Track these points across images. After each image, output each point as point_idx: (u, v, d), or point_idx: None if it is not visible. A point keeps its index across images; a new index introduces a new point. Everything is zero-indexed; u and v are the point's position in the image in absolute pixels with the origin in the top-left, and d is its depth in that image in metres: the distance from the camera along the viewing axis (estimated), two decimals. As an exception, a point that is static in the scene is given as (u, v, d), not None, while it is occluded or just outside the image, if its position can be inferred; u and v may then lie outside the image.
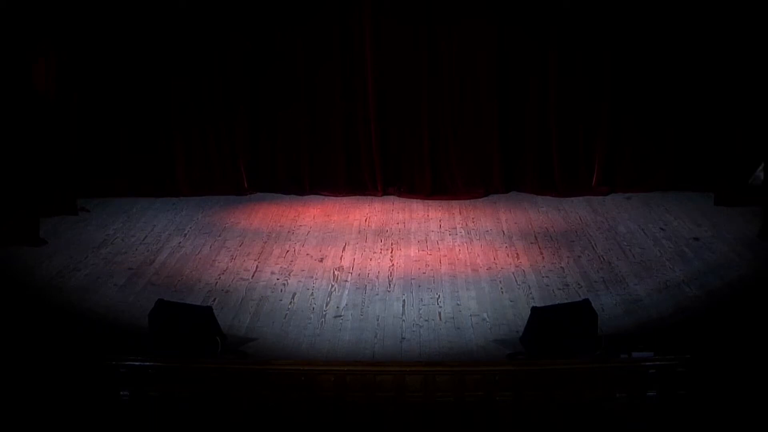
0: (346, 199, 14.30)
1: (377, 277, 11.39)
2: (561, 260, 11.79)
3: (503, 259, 11.88)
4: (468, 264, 11.76)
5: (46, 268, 11.72)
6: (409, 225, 13.23)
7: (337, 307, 10.59)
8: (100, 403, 8.64)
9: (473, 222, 13.27)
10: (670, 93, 14.01)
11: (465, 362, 9.13)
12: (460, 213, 13.64)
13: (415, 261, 11.89)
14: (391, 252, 12.20)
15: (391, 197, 14.38)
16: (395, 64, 14.27)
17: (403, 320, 10.25)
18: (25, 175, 12.58)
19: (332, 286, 11.16)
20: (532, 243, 12.40)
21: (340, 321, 10.26)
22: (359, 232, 12.99)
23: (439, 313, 10.39)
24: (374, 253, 12.18)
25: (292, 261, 11.94)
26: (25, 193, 12.52)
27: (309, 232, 12.99)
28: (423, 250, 12.24)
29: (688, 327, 9.79)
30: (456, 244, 12.47)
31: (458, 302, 10.66)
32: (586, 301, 9.74)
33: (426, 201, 14.16)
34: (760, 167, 12.57)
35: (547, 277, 11.30)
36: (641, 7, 13.84)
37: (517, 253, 12.04)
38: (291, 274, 11.53)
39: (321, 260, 11.94)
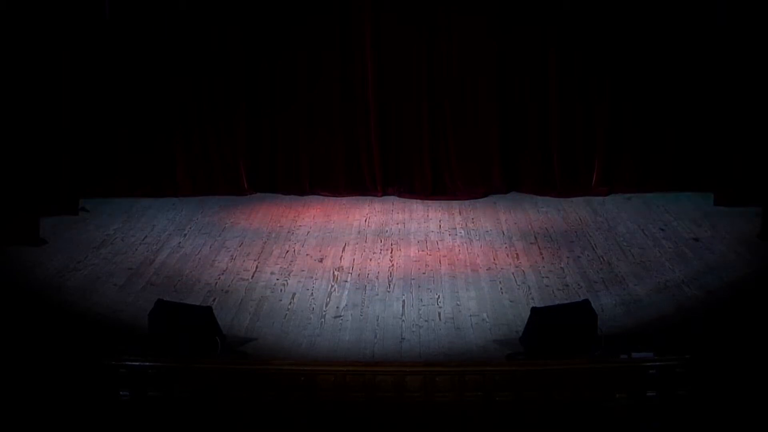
0: (346, 199, 14.30)
1: (377, 277, 11.39)
2: (561, 260, 11.79)
3: (503, 260, 11.87)
4: (468, 264, 11.76)
5: (46, 268, 11.72)
6: (409, 225, 13.23)
7: (337, 307, 10.59)
8: (100, 403, 8.65)
9: (473, 222, 13.27)
10: (671, 93, 14.00)
11: (465, 362, 9.14)
12: (460, 213, 13.64)
13: (415, 261, 11.89)
14: (391, 252, 12.20)
15: (391, 197, 14.38)
16: (395, 63, 14.26)
17: (403, 320, 10.25)
18: (25, 175, 12.58)
19: (332, 286, 11.17)
20: (532, 243, 12.40)
21: (340, 321, 10.26)
22: (359, 232, 12.99)
23: (439, 314, 10.40)
24: (374, 253, 12.18)
25: (291, 261, 11.94)
26: (25, 193, 12.52)
27: (309, 232, 12.99)
28: (423, 250, 12.24)
29: (688, 327, 9.79)
30: (456, 244, 12.47)
31: (458, 302, 10.66)
32: (586, 302, 9.75)
33: (426, 201, 14.16)
34: None
35: (547, 277, 11.30)
36: (641, 7, 13.83)
37: (517, 254, 12.04)
38: (291, 274, 11.53)
39: (321, 260, 11.94)
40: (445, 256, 12.02)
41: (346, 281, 11.31)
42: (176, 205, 14.09)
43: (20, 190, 12.49)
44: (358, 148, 14.49)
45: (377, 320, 10.26)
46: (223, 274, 11.56)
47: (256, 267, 11.76)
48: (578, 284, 11.06)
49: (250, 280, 11.36)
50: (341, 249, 12.32)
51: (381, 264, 11.82)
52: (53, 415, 8.56)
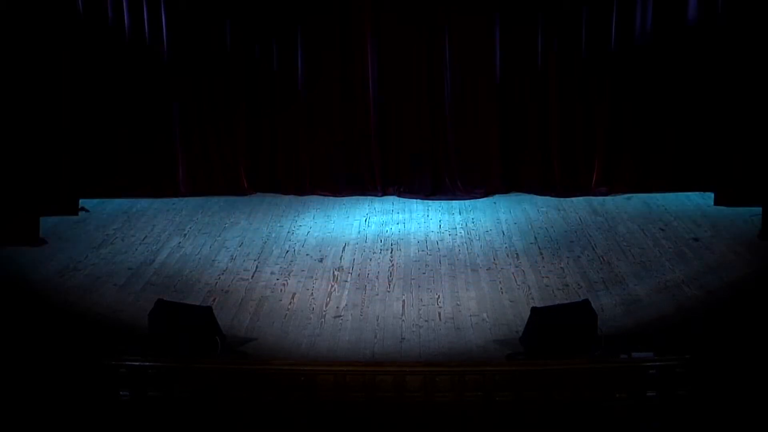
0: (346, 199, 14.29)
1: (377, 277, 11.40)
2: (561, 260, 11.79)
3: (503, 259, 11.87)
4: (468, 264, 11.76)
5: (46, 268, 11.72)
6: (409, 225, 13.23)
7: (337, 307, 10.60)
8: (100, 403, 8.65)
9: (473, 222, 13.27)
10: (671, 93, 13.99)
11: (465, 362, 9.14)
12: (460, 213, 13.64)
13: (415, 261, 11.89)
14: (391, 252, 12.20)
15: (391, 197, 14.38)
16: (395, 63, 14.25)
17: (403, 320, 10.26)
18: (25, 175, 12.58)
19: (332, 286, 11.17)
20: (531, 243, 12.40)
21: (340, 321, 10.27)
22: (359, 232, 12.99)
23: (439, 313, 10.40)
24: (374, 253, 12.18)
25: (292, 261, 11.94)
26: (25, 193, 12.52)
27: (309, 232, 12.99)
28: (423, 250, 12.24)
29: (688, 327, 9.79)
30: (456, 244, 12.47)
31: (458, 302, 10.67)
32: (586, 302, 9.75)
33: (426, 201, 14.16)
34: None
35: (546, 277, 11.30)
36: (641, 7, 13.82)
37: (517, 253, 12.04)
38: (291, 274, 11.54)
39: (321, 260, 11.94)
40: (445, 256, 12.02)
41: (346, 281, 11.31)
42: (176, 205, 14.08)
43: (20, 190, 12.49)
44: (358, 148, 14.49)
45: (377, 320, 10.27)
46: (223, 274, 11.56)
47: (256, 267, 11.76)
48: (578, 284, 11.06)
49: (250, 280, 11.36)
50: (341, 249, 12.32)
51: (381, 264, 11.82)
52: (53, 415, 8.56)
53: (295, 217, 13.57)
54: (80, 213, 13.61)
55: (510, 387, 8.57)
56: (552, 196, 14.18)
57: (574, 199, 14.06)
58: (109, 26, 13.90)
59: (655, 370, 8.52)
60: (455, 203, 14.02)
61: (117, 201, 14.14)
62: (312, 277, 11.43)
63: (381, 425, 8.57)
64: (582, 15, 13.90)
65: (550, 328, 9.33)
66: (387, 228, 13.12)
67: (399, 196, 14.41)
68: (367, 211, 13.84)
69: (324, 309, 10.56)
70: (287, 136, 14.51)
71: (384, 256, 12.06)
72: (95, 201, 14.02)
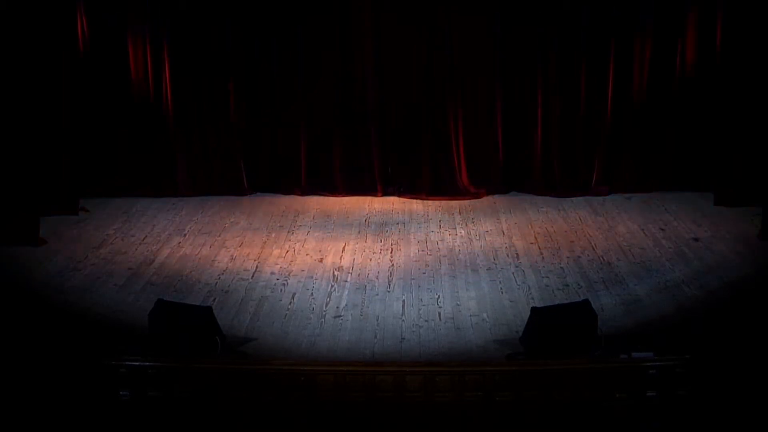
0: (346, 199, 14.30)
1: (377, 277, 11.40)
2: (561, 260, 11.79)
3: (503, 260, 11.88)
4: (468, 264, 11.77)
5: (46, 268, 11.72)
6: (409, 225, 13.23)
7: (337, 307, 10.60)
8: (100, 403, 8.65)
9: (473, 222, 13.27)
10: (670, 93, 13.99)
11: (465, 362, 9.15)
12: (460, 213, 13.64)
13: (415, 261, 11.90)
14: (391, 252, 12.20)
15: (391, 197, 14.38)
16: (395, 63, 14.25)
17: (403, 320, 10.26)
18: (25, 175, 12.58)
19: (332, 286, 11.17)
20: (532, 243, 12.40)
21: (340, 321, 10.27)
22: (359, 232, 12.99)
23: (439, 313, 10.40)
24: (374, 253, 12.18)
25: (292, 261, 11.94)
26: (25, 193, 12.52)
27: (309, 232, 12.99)
28: (423, 250, 12.24)
29: (688, 327, 9.79)
30: (456, 244, 12.47)
31: (458, 302, 10.67)
32: (586, 302, 9.75)
33: (426, 201, 14.16)
34: None
35: (547, 277, 11.30)
36: (641, 8, 13.82)
37: (517, 253, 12.04)
38: (291, 274, 11.54)
39: (321, 260, 11.95)
40: (445, 256, 12.02)
41: (346, 281, 11.32)
42: (176, 205, 14.08)
43: (20, 190, 12.49)
44: (358, 148, 14.49)
45: (377, 320, 10.27)
46: (223, 274, 11.56)
47: (256, 267, 11.76)
48: (578, 284, 11.07)
49: (250, 280, 11.36)
50: (341, 249, 12.32)
51: (381, 264, 11.82)
52: (53, 415, 8.56)
53: (295, 217, 13.57)
54: (80, 213, 13.62)
55: (510, 387, 8.57)
56: (552, 196, 14.18)
57: (574, 199, 14.06)
58: (108, 26, 13.90)
59: (655, 370, 8.53)
60: (455, 203, 14.02)
61: (117, 201, 14.14)
62: (312, 277, 11.44)
63: (381, 425, 8.57)
64: (582, 15, 13.90)
65: (550, 328, 9.33)
66: (387, 228, 13.13)
67: (399, 196, 14.41)
68: (367, 211, 13.84)
69: (324, 309, 10.56)
70: (287, 136, 14.51)
71: (384, 256, 12.06)
72: (95, 201, 14.02)
